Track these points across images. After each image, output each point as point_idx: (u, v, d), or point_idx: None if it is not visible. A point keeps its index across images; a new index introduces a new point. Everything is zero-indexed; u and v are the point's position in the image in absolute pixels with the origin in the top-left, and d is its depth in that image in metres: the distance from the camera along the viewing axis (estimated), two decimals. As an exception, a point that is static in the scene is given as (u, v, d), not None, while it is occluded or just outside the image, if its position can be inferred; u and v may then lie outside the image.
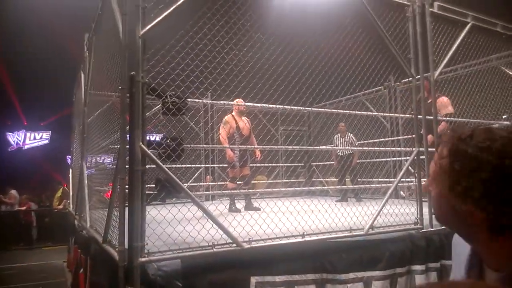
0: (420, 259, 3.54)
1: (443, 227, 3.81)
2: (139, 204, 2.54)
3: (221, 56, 3.26)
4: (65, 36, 12.38)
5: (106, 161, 5.04)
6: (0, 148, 17.39)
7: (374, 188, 7.44)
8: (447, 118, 5.24)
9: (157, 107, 4.96)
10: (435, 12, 4.38)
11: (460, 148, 0.89)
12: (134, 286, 2.44)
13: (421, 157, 4.07)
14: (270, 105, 3.93)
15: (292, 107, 4.07)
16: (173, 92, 2.83)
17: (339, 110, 4.92)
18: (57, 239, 11.22)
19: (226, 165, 6.42)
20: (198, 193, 6.47)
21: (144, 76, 2.62)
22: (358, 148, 7.21)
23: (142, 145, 2.58)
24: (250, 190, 6.09)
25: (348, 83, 4.36)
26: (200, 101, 5.01)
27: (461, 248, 1.04)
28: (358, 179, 7.30)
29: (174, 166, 5.29)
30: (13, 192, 12.53)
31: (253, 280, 2.80)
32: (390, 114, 7.38)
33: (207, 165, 7.95)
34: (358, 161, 7.49)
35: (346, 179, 7.58)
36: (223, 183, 7.49)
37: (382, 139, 7.37)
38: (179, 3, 2.79)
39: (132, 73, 2.61)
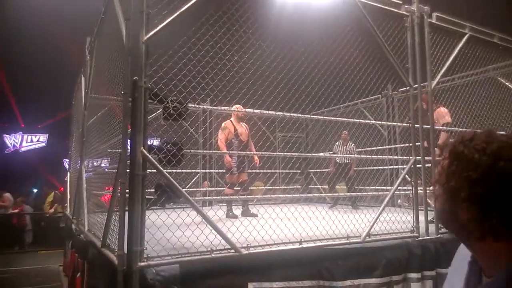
0: (416, 267, 3.57)
1: (438, 236, 3.84)
2: (139, 209, 2.55)
3: (222, 63, 3.29)
4: (64, 39, 12.43)
5: (103, 165, 5.05)
6: (-3, 150, 17.36)
7: (371, 196, 7.48)
8: (444, 128, 5.28)
9: (158, 112, 4.98)
10: (434, 23, 4.44)
11: (458, 150, 0.92)
12: (133, 290, 2.45)
13: (417, 165, 4.10)
14: (269, 112, 3.96)
15: (290, 114, 4.10)
16: (175, 98, 2.86)
17: (337, 118, 4.95)
18: (52, 243, 11.19)
19: (223, 170, 6.44)
20: (196, 198, 6.47)
21: (146, 81, 2.65)
22: (356, 156, 7.25)
23: (144, 150, 2.60)
24: (248, 196, 6.10)
25: (346, 91, 4.40)
26: (200, 106, 5.03)
27: (463, 254, 1.05)
28: (355, 187, 7.33)
29: (174, 171, 5.30)
30: (7, 195, 12.45)
31: (251, 286, 2.81)
32: (388, 123, 7.43)
33: (205, 171, 7.96)
34: (355, 168, 7.53)
35: (343, 187, 7.63)
36: (220, 189, 7.51)
37: (380, 147, 7.41)
38: (182, 9, 2.83)
39: (134, 78, 2.63)
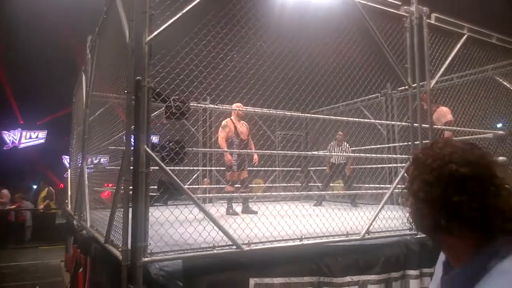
0: (414, 264, 3.63)
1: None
2: (143, 205, 2.61)
3: (224, 63, 3.34)
4: (65, 37, 12.44)
5: (102, 161, 5.10)
6: (-5, 147, 17.37)
7: (370, 194, 7.54)
8: (443, 127, 5.34)
9: (160, 110, 5.02)
10: (432, 24, 4.49)
11: (418, 156, 1.03)
12: (137, 286, 2.50)
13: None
14: (269, 110, 4.02)
15: (290, 113, 4.16)
16: (177, 97, 2.91)
17: (336, 117, 5.00)
18: (52, 239, 11.25)
19: (223, 168, 6.49)
20: (198, 195, 6.53)
21: (149, 81, 2.69)
22: (355, 154, 7.31)
23: (147, 148, 2.65)
24: (248, 194, 6.16)
25: (346, 90, 4.45)
26: (201, 105, 5.08)
27: (441, 255, 1.13)
28: (355, 185, 7.39)
29: (176, 168, 5.35)
30: (5, 191, 12.50)
31: (252, 281, 2.87)
32: (387, 122, 7.48)
33: (205, 168, 8.02)
34: (352, 167, 7.62)
35: (340, 184, 7.74)
36: (221, 186, 7.56)
37: (379, 146, 7.47)
38: (185, 10, 2.87)
39: (138, 77, 2.68)
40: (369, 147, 7.24)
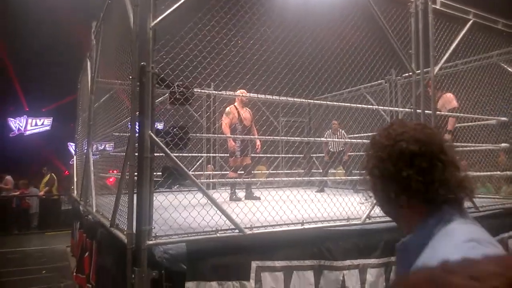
0: (414, 248, 3.67)
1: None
2: (148, 190, 2.65)
3: (228, 48, 3.35)
4: (70, 23, 12.41)
5: (108, 148, 5.16)
6: (1, 134, 17.49)
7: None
8: (447, 113, 5.33)
9: (164, 96, 5.04)
10: (437, 9, 4.46)
11: (375, 137, 1.14)
12: (142, 268, 2.56)
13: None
14: (272, 96, 4.03)
15: (293, 99, 4.17)
16: (181, 83, 2.93)
17: (339, 103, 5.00)
18: (57, 225, 11.45)
19: (227, 154, 6.54)
20: (201, 180, 6.59)
21: (154, 67, 2.72)
22: (353, 140, 7.32)
23: (151, 134, 2.69)
24: (251, 179, 6.21)
25: (350, 76, 4.45)
26: (205, 91, 5.10)
27: None
28: (355, 172, 7.42)
29: (179, 154, 5.39)
30: (9, 177, 12.66)
31: (254, 264, 2.93)
32: (390, 108, 7.46)
33: (209, 154, 8.06)
34: (350, 153, 7.70)
35: (341, 171, 7.83)
36: (224, 172, 7.62)
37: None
38: (188, -4, 2.88)
39: (142, 63, 2.70)
40: (371, 133, 7.23)
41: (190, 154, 7.16)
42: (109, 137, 4.67)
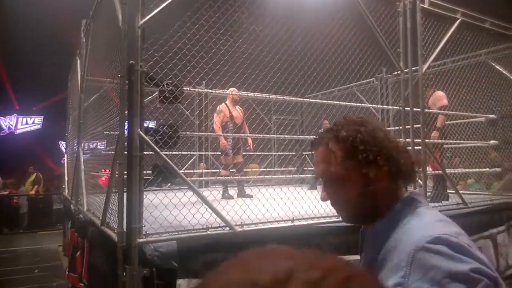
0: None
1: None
2: (137, 188, 2.66)
3: (217, 47, 3.36)
4: (60, 21, 12.32)
5: (99, 147, 5.15)
6: (-9, 133, 17.33)
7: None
8: (436, 111, 5.39)
9: (154, 95, 5.05)
10: (426, 8, 4.51)
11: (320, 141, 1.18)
12: (132, 266, 2.57)
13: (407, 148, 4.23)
14: (263, 95, 4.05)
15: (284, 97, 4.20)
16: (170, 81, 2.94)
17: (330, 101, 5.02)
18: (48, 224, 11.39)
19: (219, 152, 6.55)
20: (192, 178, 6.60)
21: (142, 65, 2.72)
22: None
23: (140, 132, 2.70)
24: (243, 177, 6.23)
25: (339, 74, 4.49)
26: (195, 90, 5.10)
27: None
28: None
29: (170, 152, 5.40)
30: None
31: (245, 261, 2.95)
32: (380, 106, 7.52)
33: (200, 153, 8.07)
34: None
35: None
36: (216, 170, 7.62)
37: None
38: (177, -5, 2.89)
39: (131, 62, 2.71)
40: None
41: (180, 152, 7.16)
42: (99, 136, 4.66)
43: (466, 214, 4.25)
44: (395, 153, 1.09)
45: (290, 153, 8.61)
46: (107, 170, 4.49)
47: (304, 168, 9.14)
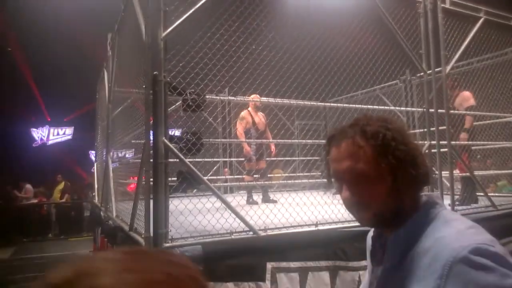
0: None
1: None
2: (163, 194, 2.75)
3: (238, 54, 3.43)
4: (88, 34, 12.76)
5: (127, 155, 5.31)
6: (25, 144, 17.98)
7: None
8: (463, 112, 5.27)
9: (178, 104, 5.17)
10: (447, 8, 4.45)
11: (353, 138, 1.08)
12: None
13: (432, 150, 4.17)
14: (283, 100, 4.09)
15: (306, 102, 4.23)
16: (193, 90, 3.02)
17: (352, 105, 5.01)
18: (79, 230, 11.76)
19: (243, 158, 6.62)
20: (217, 184, 6.68)
21: (166, 76, 2.82)
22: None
23: (165, 140, 2.79)
24: (267, 182, 6.27)
25: (359, 78, 4.48)
26: (218, 97, 5.20)
27: (368, 242, 1.22)
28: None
29: (194, 159, 5.50)
30: (29, 186, 13.07)
31: (269, 265, 2.98)
32: (403, 108, 7.42)
33: (225, 159, 8.16)
34: None
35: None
36: (240, 176, 7.69)
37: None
38: (198, 5, 2.98)
39: (155, 72, 2.81)
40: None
41: (204, 159, 7.27)
42: (127, 145, 4.81)
43: (495, 217, 4.14)
44: (419, 154, 1.05)
45: (313, 157, 8.58)
46: (135, 178, 4.62)
47: (329, 173, 9.07)
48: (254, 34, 3.48)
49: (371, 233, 1.23)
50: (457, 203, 4.40)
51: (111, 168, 5.15)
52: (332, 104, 5.56)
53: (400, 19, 4.19)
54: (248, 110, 6.16)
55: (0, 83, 14.59)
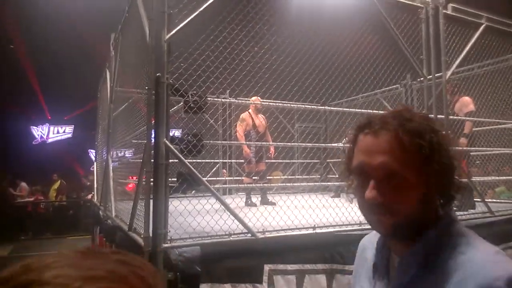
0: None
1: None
2: (163, 195, 2.77)
3: (240, 57, 3.46)
4: (90, 34, 12.79)
5: (127, 155, 5.33)
6: (24, 141, 17.99)
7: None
8: (463, 117, 5.30)
9: (179, 105, 5.21)
10: (449, 14, 4.47)
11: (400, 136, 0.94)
12: (158, 270, 2.67)
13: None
14: (283, 103, 4.12)
15: (306, 105, 4.25)
16: (195, 92, 3.05)
17: (351, 109, 5.04)
18: (76, 229, 11.79)
19: (242, 160, 6.64)
20: (216, 186, 6.70)
21: (168, 78, 2.84)
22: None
23: (166, 141, 2.81)
24: (266, 185, 6.29)
25: (360, 82, 4.50)
26: (218, 99, 5.22)
27: (367, 252, 1.13)
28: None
29: (194, 161, 5.52)
30: (23, 184, 13.02)
31: (267, 267, 3.00)
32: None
33: (224, 160, 8.18)
34: None
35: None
36: (239, 178, 7.71)
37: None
38: (201, 9, 3.00)
39: (157, 74, 2.83)
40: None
41: (204, 160, 7.29)
42: (127, 144, 4.83)
43: (492, 223, 4.16)
44: (458, 165, 0.95)
45: (313, 160, 8.60)
46: (134, 178, 4.64)
47: (328, 176, 9.11)
48: (256, 37, 3.51)
49: (368, 238, 1.17)
50: (454, 208, 4.41)
51: (111, 168, 5.17)
52: (330, 108, 5.57)
53: (401, 24, 4.22)
54: (249, 112, 6.18)
55: (2, 81, 14.61)
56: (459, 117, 5.18)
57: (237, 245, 2.99)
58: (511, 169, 5.92)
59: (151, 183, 2.85)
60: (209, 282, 2.76)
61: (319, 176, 9.06)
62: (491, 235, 3.77)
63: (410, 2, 4.24)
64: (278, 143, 5.82)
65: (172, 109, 4.42)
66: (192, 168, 2.96)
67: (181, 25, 2.89)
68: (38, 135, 18.53)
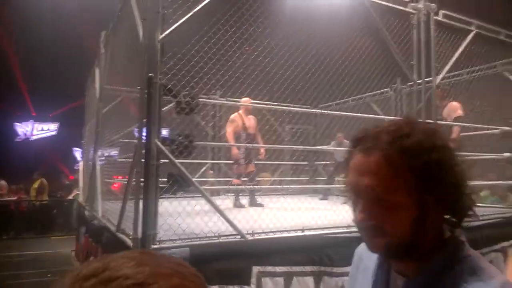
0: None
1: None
2: (153, 196, 2.74)
3: (233, 60, 3.45)
4: (78, 30, 12.63)
5: (112, 154, 5.26)
6: (7, 138, 17.60)
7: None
8: (451, 123, 5.36)
9: (170, 105, 5.17)
10: (440, 20, 4.54)
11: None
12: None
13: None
14: (274, 105, 4.12)
15: (297, 107, 4.26)
16: (187, 93, 3.03)
17: (342, 113, 5.07)
18: (61, 228, 11.59)
19: (231, 161, 6.61)
20: (205, 187, 6.67)
21: (161, 78, 2.82)
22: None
23: (158, 142, 2.78)
24: (255, 186, 6.28)
25: (355, 84, 4.54)
26: (209, 101, 5.19)
27: (368, 261, 1.06)
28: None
29: (184, 161, 5.47)
30: (3, 182, 12.63)
31: (255, 269, 2.99)
32: (391, 117, 7.50)
33: (214, 161, 8.14)
34: None
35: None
36: (227, 179, 7.68)
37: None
38: (196, 9, 2.99)
39: (150, 74, 2.80)
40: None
41: (195, 161, 7.23)
42: (115, 144, 4.77)
43: (477, 227, 4.23)
44: (464, 192, 0.86)
45: (303, 163, 8.62)
46: (119, 177, 4.58)
47: (316, 178, 9.14)
48: (250, 40, 3.50)
49: (364, 247, 1.03)
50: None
51: (98, 167, 5.10)
52: (320, 111, 5.59)
53: (393, 30, 4.26)
54: (239, 113, 6.17)
55: (-14, 76, 14.31)
56: (447, 123, 5.24)
57: (226, 246, 2.97)
58: (495, 174, 6.02)
59: (141, 184, 2.82)
60: (198, 284, 2.73)
61: (307, 179, 9.09)
62: (477, 239, 3.84)
63: (403, 8, 4.29)
64: (270, 146, 5.81)
65: (163, 109, 4.38)
66: (183, 169, 2.93)
67: (175, 25, 2.87)
68: (22, 132, 18.15)
